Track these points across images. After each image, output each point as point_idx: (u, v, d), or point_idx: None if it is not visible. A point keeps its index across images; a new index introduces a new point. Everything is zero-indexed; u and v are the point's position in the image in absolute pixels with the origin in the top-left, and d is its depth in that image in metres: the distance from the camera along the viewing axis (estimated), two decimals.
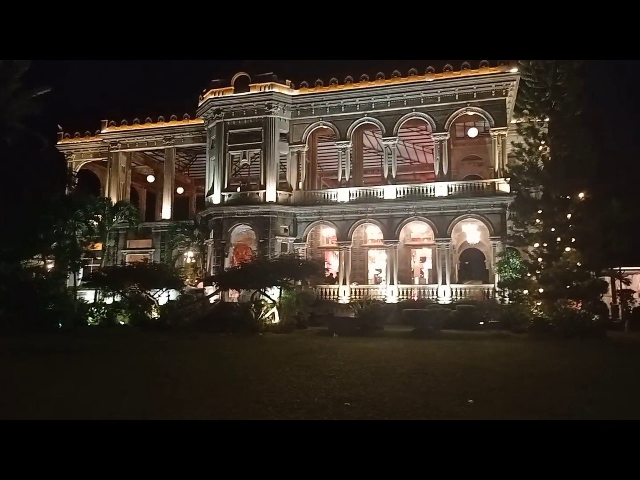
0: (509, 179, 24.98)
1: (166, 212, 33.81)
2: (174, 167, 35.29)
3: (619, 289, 30.34)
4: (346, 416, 7.07)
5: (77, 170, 36.01)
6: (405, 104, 28.49)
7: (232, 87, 30.13)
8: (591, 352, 15.38)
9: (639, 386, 9.88)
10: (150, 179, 37.63)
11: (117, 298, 27.15)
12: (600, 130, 22.38)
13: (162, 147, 34.50)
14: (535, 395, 8.82)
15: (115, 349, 16.47)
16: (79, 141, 36.46)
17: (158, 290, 25.53)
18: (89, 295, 29.63)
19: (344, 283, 28.18)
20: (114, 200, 33.30)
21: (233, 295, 27.82)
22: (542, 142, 22.45)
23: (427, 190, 28.14)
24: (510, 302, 22.86)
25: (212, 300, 27.37)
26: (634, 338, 19.90)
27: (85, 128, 36.22)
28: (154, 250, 33.09)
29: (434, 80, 27.76)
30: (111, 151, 34.97)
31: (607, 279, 27.30)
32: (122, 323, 25.91)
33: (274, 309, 23.13)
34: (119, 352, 15.59)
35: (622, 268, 29.79)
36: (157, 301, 25.58)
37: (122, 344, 18.02)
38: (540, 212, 22.13)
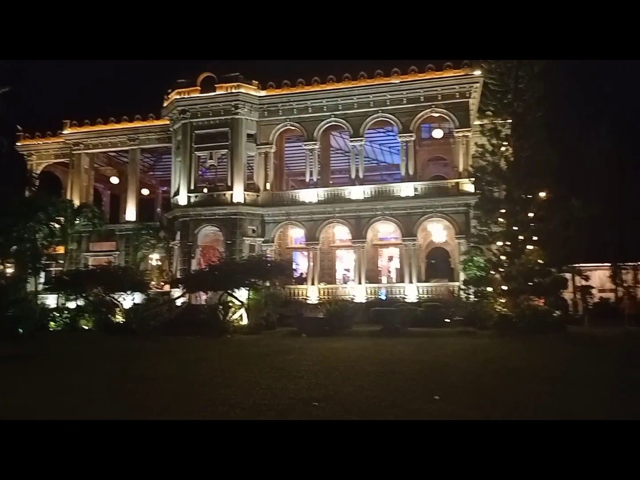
0: (473, 179, 25.55)
1: (131, 214, 33.11)
2: (139, 168, 34.60)
3: (579, 285, 31.46)
4: (315, 416, 7.09)
5: (38, 172, 34.92)
6: (371, 105, 28.76)
7: (198, 88, 29.78)
8: (553, 347, 15.86)
9: (598, 379, 10.24)
10: (114, 180, 36.76)
11: (81, 302, 26.48)
12: (560, 131, 23.16)
13: (126, 148, 33.78)
14: (499, 390, 9.04)
15: (78, 355, 16.03)
16: (40, 142, 35.28)
17: (123, 293, 25.03)
18: (51, 300, 28.79)
19: (313, 283, 28.22)
20: (77, 202, 32.46)
21: (200, 297, 27.48)
22: (505, 143, 23.06)
23: (393, 190, 28.48)
24: (475, 299, 23.37)
25: (179, 302, 26.98)
26: (594, 332, 20.63)
27: (46, 129, 35.07)
28: (118, 252, 32.36)
29: (400, 82, 28.13)
30: (73, 152, 34.01)
31: (568, 275, 28.28)
32: (85, 327, 25.26)
33: (242, 311, 22.98)
34: (82, 358, 15.17)
35: (581, 265, 30.89)
36: (122, 305, 25.05)
37: (86, 350, 17.55)
38: (503, 211, 22.71)
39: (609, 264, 33.95)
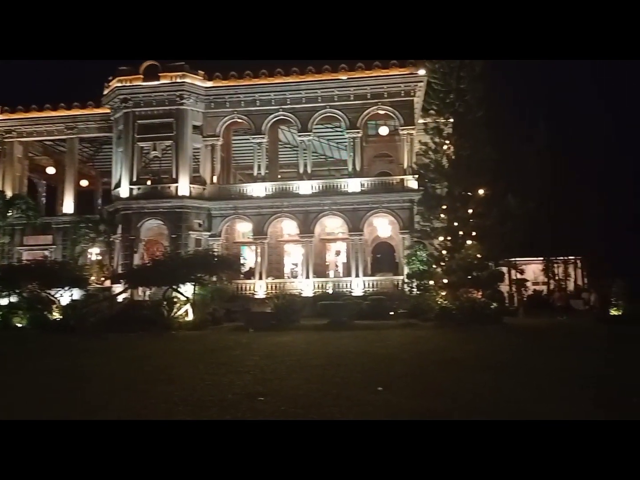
0: (416, 176, 26.30)
1: (68, 206, 31.67)
2: (77, 158, 33.17)
3: (515, 278, 33.09)
4: (260, 411, 7.12)
5: None
6: (319, 100, 28.89)
7: (141, 76, 28.81)
8: (490, 338, 16.62)
9: (532, 366, 10.91)
10: (51, 170, 35.02)
11: (14, 299, 25.05)
12: (497, 131, 24.19)
13: (63, 137, 32.29)
14: (440, 380, 9.40)
15: (13, 353, 15.22)
16: None
17: (60, 289, 23.97)
18: None
19: (261, 278, 28.12)
20: (9, 193, 30.87)
21: (143, 293, 26.71)
22: (447, 142, 23.86)
23: (341, 186, 28.80)
24: (418, 292, 24.13)
25: (120, 298, 26.11)
26: (528, 323, 21.81)
27: None
28: (55, 247, 30.98)
29: (347, 79, 28.41)
30: (5, 140, 32.19)
31: (504, 269, 29.69)
32: (19, 325, 23.93)
33: (188, 306, 22.55)
34: (15, 356, 14.41)
35: (517, 259, 32.49)
36: (59, 301, 23.98)
37: (20, 348, 16.67)
38: (444, 207, 23.52)
39: (542, 259, 35.86)
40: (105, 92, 29.81)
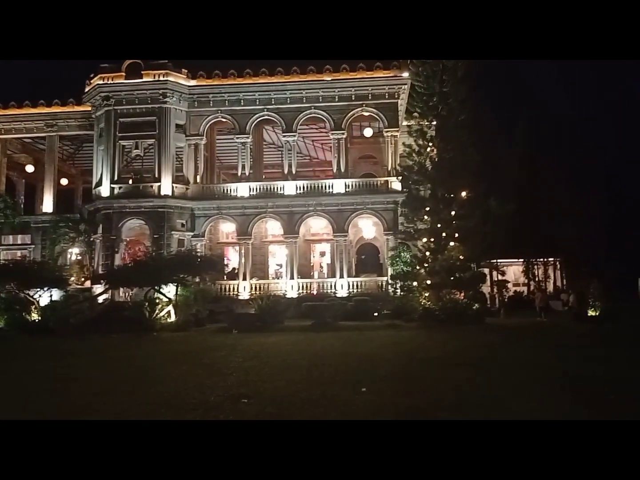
0: (400, 177, 26.43)
1: (48, 205, 31.10)
2: (57, 156, 32.53)
3: (496, 279, 33.52)
4: (243, 412, 7.09)
5: None
6: (304, 101, 28.87)
7: (123, 74, 28.40)
8: (471, 337, 16.85)
9: (511, 364, 11.11)
10: (30, 168, 34.29)
11: None
12: (479, 133, 24.46)
13: (42, 134, 31.65)
14: (422, 379, 9.50)
15: None
16: None
17: (39, 289, 23.52)
18: None
19: (245, 279, 27.97)
20: None
21: (125, 294, 26.37)
22: (430, 144, 24.07)
23: (325, 186, 28.80)
24: (402, 293, 24.27)
25: (100, 299, 25.77)
26: (509, 323, 22.12)
27: None
28: (33, 246, 30.37)
29: (332, 80, 28.44)
30: None
31: (486, 270, 30.05)
32: None
33: (170, 307, 22.33)
34: None
35: (498, 260, 32.92)
36: (38, 302, 23.52)
37: None
38: (428, 209, 23.71)
39: (523, 260, 36.39)
40: (87, 89, 29.33)
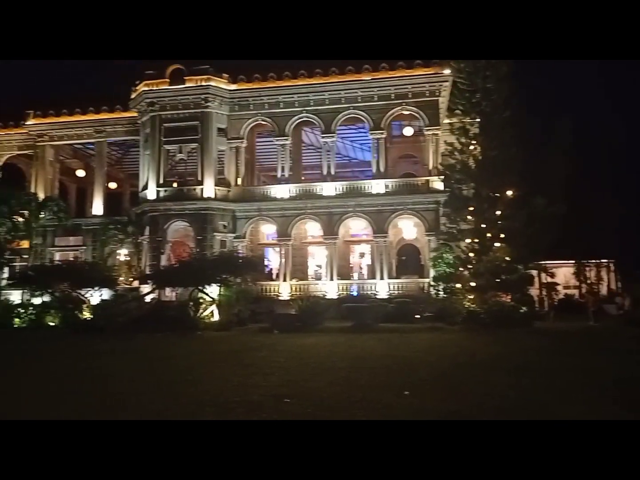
0: (442, 177, 25.96)
1: (98, 208, 32.35)
2: (106, 161, 33.79)
3: (545, 281, 32.39)
4: (285, 412, 7.11)
5: (1, 164, 33.78)
6: (343, 101, 28.83)
7: (167, 80, 29.27)
8: (518, 341, 16.31)
9: (559, 370, 10.66)
10: (81, 173, 35.83)
11: (46, 298, 25.73)
12: (524, 130, 23.76)
13: (92, 140, 32.96)
14: (465, 383, 9.26)
15: (43, 353, 15.58)
16: (2, 133, 34.09)
17: (90, 289, 24.47)
18: (15, 296, 27.97)
19: (284, 279, 28.18)
20: (41, 196, 31.63)
21: (170, 293, 27.08)
22: (473, 142, 23.52)
23: (365, 187, 28.66)
24: (444, 295, 23.81)
25: (148, 299, 26.52)
26: (558, 327, 21.31)
27: (9, 119, 33.81)
28: (85, 247, 31.62)
29: (371, 79, 28.27)
30: (37, 144, 33.03)
31: (534, 272, 29.10)
32: (51, 324, 24.57)
33: (213, 307, 22.77)
34: (47, 356, 14.74)
35: (547, 262, 31.82)
36: (89, 301, 24.48)
37: (51, 348, 17.08)
38: (471, 209, 23.17)
39: (573, 262, 35.03)
40: (133, 96, 30.35)
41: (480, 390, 8.53)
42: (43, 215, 30.25)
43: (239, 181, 30.08)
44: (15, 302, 26.99)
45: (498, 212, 22.87)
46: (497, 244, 22.67)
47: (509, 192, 23.06)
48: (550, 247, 28.12)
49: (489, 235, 22.76)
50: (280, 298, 27.21)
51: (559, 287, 33.18)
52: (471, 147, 23.50)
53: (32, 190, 32.37)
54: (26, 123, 33.02)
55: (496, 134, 22.99)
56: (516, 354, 13.31)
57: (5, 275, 28.66)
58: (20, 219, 29.23)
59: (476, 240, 22.94)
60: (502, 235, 22.73)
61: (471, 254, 22.97)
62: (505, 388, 8.61)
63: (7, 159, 34.43)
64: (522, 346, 15.05)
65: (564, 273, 35.95)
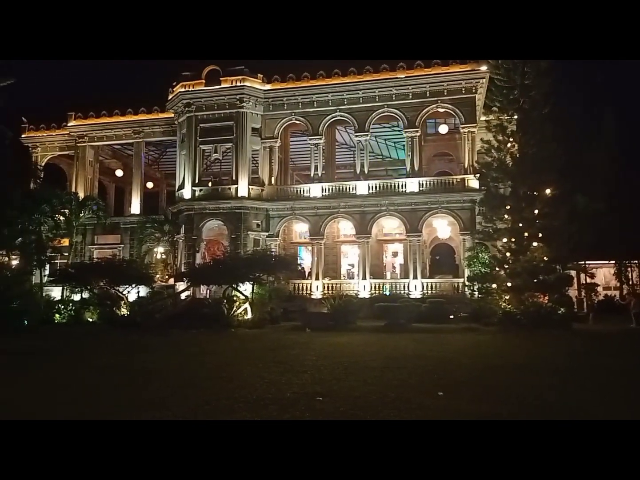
0: (478, 175, 25.44)
1: (135, 207, 33.16)
2: (144, 161, 34.57)
3: (584, 282, 31.33)
4: (318, 410, 7.10)
5: (43, 164, 34.98)
6: (377, 100, 28.64)
7: (203, 81, 29.70)
8: (556, 343, 15.86)
9: (600, 373, 10.29)
10: (119, 173, 36.76)
11: (85, 295, 26.54)
12: (564, 127, 23.05)
13: (130, 141, 33.77)
14: (502, 385, 9.05)
15: (81, 348, 16.06)
16: (45, 134, 35.30)
17: (127, 286, 25.09)
18: (56, 292, 28.88)
19: (317, 278, 28.22)
20: (81, 195, 32.49)
21: (205, 291, 27.53)
22: (511, 139, 22.96)
23: (398, 186, 28.39)
24: (480, 296, 23.33)
25: (183, 296, 27.04)
26: (598, 329, 20.60)
27: (51, 120, 35.05)
28: (123, 245, 32.43)
29: (406, 77, 27.97)
30: (78, 144, 34.02)
31: (573, 272, 28.20)
32: (90, 320, 25.33)
33: (247, 305, 23.01)
34: (86, 351, 15.21)
35: (587, 262, 30.78)
36: (127, 297, 25.13)
37: (89, 343, 17.61)
38: (508, 207, 22.63)
39: (614, 262, 33.79)
40: (169, 97, 30.94)
41: (518, 392, 8.32)
42: (83, 214, 31.09)
43: (273, 180, 30.29)
44: (56, 299, 27.91)
45: (536, 211, 22.26)
46: (534, 244, 22.07)
47: (548, 190, 22.41)
48: (590, 247, 27.24)
49: (526, 234, 22.18)
50: (313, 297, 27.26)
51: (599, 288, 32.05)
52: (509, 145, 22.94)
53: (73, 189, 33.30)
54: (68, 124, 34.11)
55: (535, 130, 22.37)
56: (555, 355, 12.94)
57: (47, 272, 29.62)
58: (62, 218, 30.13)
59: (513, 240, 22.39)
60: (540, 235, 22.12)
61: (508, 254, 22.43)
62: (544, 390, 8.38)
63: (49, 159, 35.64)
64: (560, 348, 14.63)
65: (604, 274, 34.70)
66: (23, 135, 35.04)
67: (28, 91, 45.90)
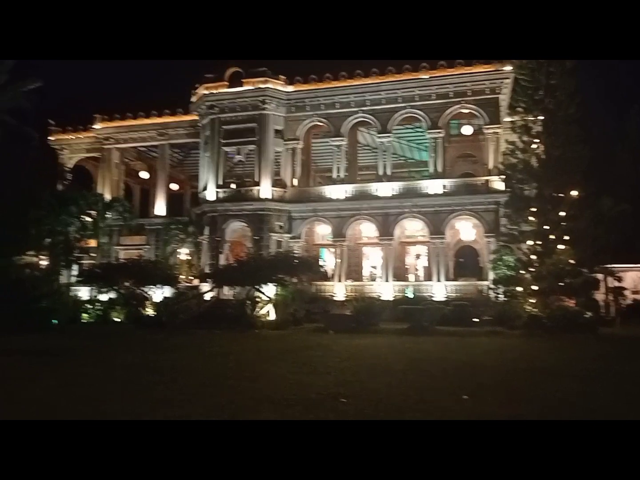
0: (503, 176, 25.14)
1: (160, 209, 33.65)
2: (168, 163, 35.05)
3: (611, 286, 30.62)
4: (342, 412, 7.13)
5: (70, 166, 35.73)
6: (399, 101, 28.52)
7: (226, 83, 29.98)
8: (583, 347, 15.57)
9: (627, 378, 10.07)
10: (144, 175, 37.34)
11: (112, 295, 27.02)
12: (589, 128, 22.66)
13: (155, 143, 34.26)
14: (527, 389, 8.95)
15: (109, 347, 16.40)
16: (72, 136, 35.99)
17: (153, 286, 25.48)
18: (83, 292, 29.49)
19: (339, 280, 28.23)
20: (108, 197, 33.12)
21: (228, 292, 27.79)
22: (536, 140, 22.64)
23: (421, 187, 28.22)
24: (504, 299, 23.05)
25: (207, 297, 27.33)
26: (625, 334, 20.13)
27: (78, 123, 35.70)
28: (148, 246, 32.88)
29: (429, 78, 27.80)
30: (104, 147, 34.66)
31: (600, 276, 27.59)
32: (117, 320, 25.80)
33: (270, 306, 23.18)
34: (113, 350, 15.50)
35: (614, 265, 30.07)
36: (152, 298, 25.53)
37: (116, 342, 17.95)
38: (533, 209, 22.32)
39: None
40: (193, 99, 31.33)
41: (543, 396, 8.22)
42: (109, 216, 31.67)
43: (295, 182, 30.41)
44: (83, 298, 28.52)
45: (562, 213, 21.89)
46: (560, 246, 21.71)
47: (574, 192, 22.02)
48: (617, 250, 26.64)
49: (552, 237, 21.84)
50: (335, 298, 27.27)
51: (627, 292, 31.27)
52: (534, 146, 22.63)
53: (99, 191, 33.89)
54: (94, 127, 34.71)
55: (560, 131, 22.02)
56: (581, 360, 12.71)
57: (75, 272, 30.27)
58: (88, 219, 30.76)
59: (538, 242, 22.06)
60: (566, 237, 21.75)
61: (533, 256, 22.12)
62: (568, 395, 8.25)
63: (76, 161, 36.38)
64: (587, 352, 14.37)
65: (632, 277, 33.77)
66: (50, 138, 35.71)
67: (55, 94, 46.86)
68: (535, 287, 21.62)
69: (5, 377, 10.11)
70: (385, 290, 27.12)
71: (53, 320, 22.50)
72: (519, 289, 22.40)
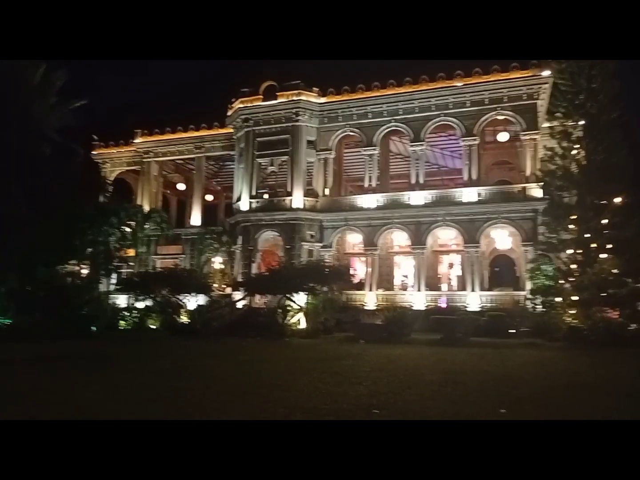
0: (541, 183, 24.48)
1: (196, 219, 34.34)
2: (204, 174, 35.83)
3: None
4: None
5: (112, 179, 36.93)
6: (433, 109, 28.26)
7: (261, 96, 30.49)
8: (627, 363, 14.81)
9: None
10: (181, 186, 38.29)
11: (149, 302, 27.65)
12: (635, 133, 21.78)
13: (192, 156, 35.10)
14: (567, 405, 8.55)
15: (146, 353, 16.73)
16: (113, 150, 37.39)
17: (187, 295, 25.92)
18: (121, 300, 30.32)
19: (371, 289, 28.01)
20: (146, 208, 34.07)
21: (260, 300, 27.97)
22: (576, 146, 21.95)
23: (455, 195, 27.79)
24: (543, 310, 22.30)
25: (239, 305, 27.59)
26: None
27: (119, 138, 37.12)
28: (184, 255, 33.59)
29: (463, 85, 27.46)
30: (144, 160, 35.76)
31: None
32: (152, 327, 26.36)
33: (301, 315, 23.19)
34: (148, 357, 15.80)
35: None
36: (187, 306, 25.95)
37: (152, 349, 18.29)
38: (574, 217, 21.59)
39: None
40: (229, 113, 31.94)
41: (585, 413, 7.82)
42: (148, 226, 32.57)
43: (327, 192, 30.48)
44: (121, 306, 29.30)
45: (604, 221, 21.08)
46: (603, 255, 20.89)
47: (618, 199, 21.19)
48: None
49: (593, 245, 21.04)
50: (366, 308, 27.05)
51: None
52: (574, 152, 21.93)
53: (139, 202, 35.00)
54: (134, 141, 35.94)
55: (603, 136, 21.26)
56: (625, 376, 12.07)
57: (114, 280, 31.17)
58: (128, 229, 31.73)
59: (579, 251, 21.30)
60: (609, 246, 20.91)
61: (573, 266, 21.35)
62: (611, 412, 7.81)
63: (117, 174, 37.64)
64: (632, 367, 13.66)
65: None
66: (93, 152, 37.20)
67: (99, 109, 48.71)
68: (575, 298, 20.83)
69: (63, 383, 10.55)
70: (417, 299, 26.72)
71: (92, 327, 23.15)
72: (558, 299, 21.64)
